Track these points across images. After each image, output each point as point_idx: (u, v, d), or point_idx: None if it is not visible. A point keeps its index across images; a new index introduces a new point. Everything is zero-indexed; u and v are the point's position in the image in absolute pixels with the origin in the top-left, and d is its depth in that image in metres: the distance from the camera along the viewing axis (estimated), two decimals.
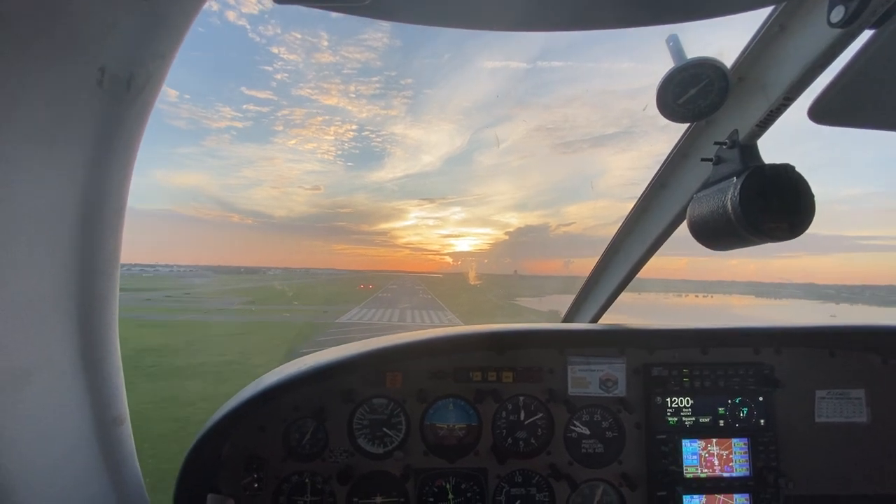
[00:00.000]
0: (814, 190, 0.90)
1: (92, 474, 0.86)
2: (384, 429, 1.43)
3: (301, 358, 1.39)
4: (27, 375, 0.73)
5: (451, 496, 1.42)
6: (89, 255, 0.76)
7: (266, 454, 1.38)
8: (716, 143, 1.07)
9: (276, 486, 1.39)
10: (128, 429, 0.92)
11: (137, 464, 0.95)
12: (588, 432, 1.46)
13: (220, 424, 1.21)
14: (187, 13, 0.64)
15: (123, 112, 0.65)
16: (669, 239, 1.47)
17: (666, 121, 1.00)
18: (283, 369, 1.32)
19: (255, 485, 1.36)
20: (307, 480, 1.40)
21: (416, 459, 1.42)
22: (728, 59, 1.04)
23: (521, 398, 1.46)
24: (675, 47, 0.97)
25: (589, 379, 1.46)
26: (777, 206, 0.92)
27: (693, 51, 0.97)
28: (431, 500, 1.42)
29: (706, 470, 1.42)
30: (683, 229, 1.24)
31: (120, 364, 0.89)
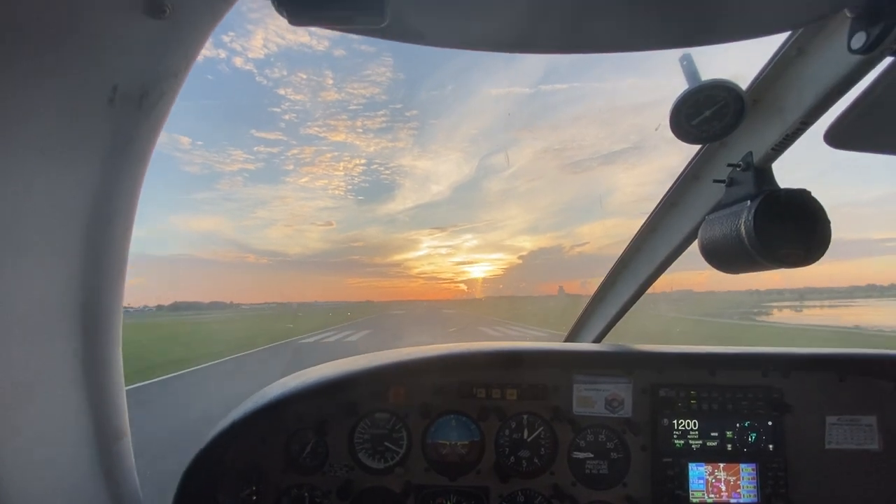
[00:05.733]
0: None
1: (91, 489, 0.85)
2: (385, 443, 1.41)
3: (304, 371, 1.38)
4: (29, 388, 0.72)
5: None
6: (95, 269, 0.75)
7: (266, 465, 1.36)
8: (729, 165, 1.06)
9: (276, 498, 1.37)
10: (128, 443, 0.91)
11: (137, 479, 0.94)
12: (592, 453, 1.43)
13: (221, 438, 1.19)
14: (202, 31, 0.64)
15: (134, 128, 0.65)
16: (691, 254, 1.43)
17: None
18: (287, 382, 1.31)
19: (254, 497, 1.34)
20: (306, 494, 1.38)
21: (416, 476, 1.40)
22: (744, 80, 1.02)
23: (525, 416, 1.44)
24: (689, 68, 0.95)
25: (594, 398, 1.43)
26: (792, 231, 0.90)
27: (707, 70, 0.95)
28: None
29: (713, 495, 1.39)
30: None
31: (122, 377, 0.88)
